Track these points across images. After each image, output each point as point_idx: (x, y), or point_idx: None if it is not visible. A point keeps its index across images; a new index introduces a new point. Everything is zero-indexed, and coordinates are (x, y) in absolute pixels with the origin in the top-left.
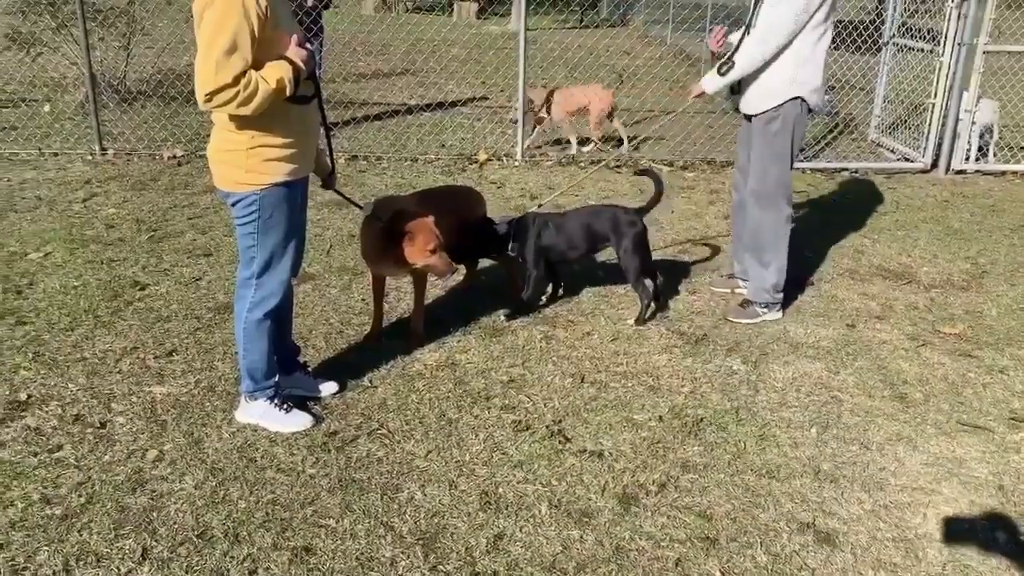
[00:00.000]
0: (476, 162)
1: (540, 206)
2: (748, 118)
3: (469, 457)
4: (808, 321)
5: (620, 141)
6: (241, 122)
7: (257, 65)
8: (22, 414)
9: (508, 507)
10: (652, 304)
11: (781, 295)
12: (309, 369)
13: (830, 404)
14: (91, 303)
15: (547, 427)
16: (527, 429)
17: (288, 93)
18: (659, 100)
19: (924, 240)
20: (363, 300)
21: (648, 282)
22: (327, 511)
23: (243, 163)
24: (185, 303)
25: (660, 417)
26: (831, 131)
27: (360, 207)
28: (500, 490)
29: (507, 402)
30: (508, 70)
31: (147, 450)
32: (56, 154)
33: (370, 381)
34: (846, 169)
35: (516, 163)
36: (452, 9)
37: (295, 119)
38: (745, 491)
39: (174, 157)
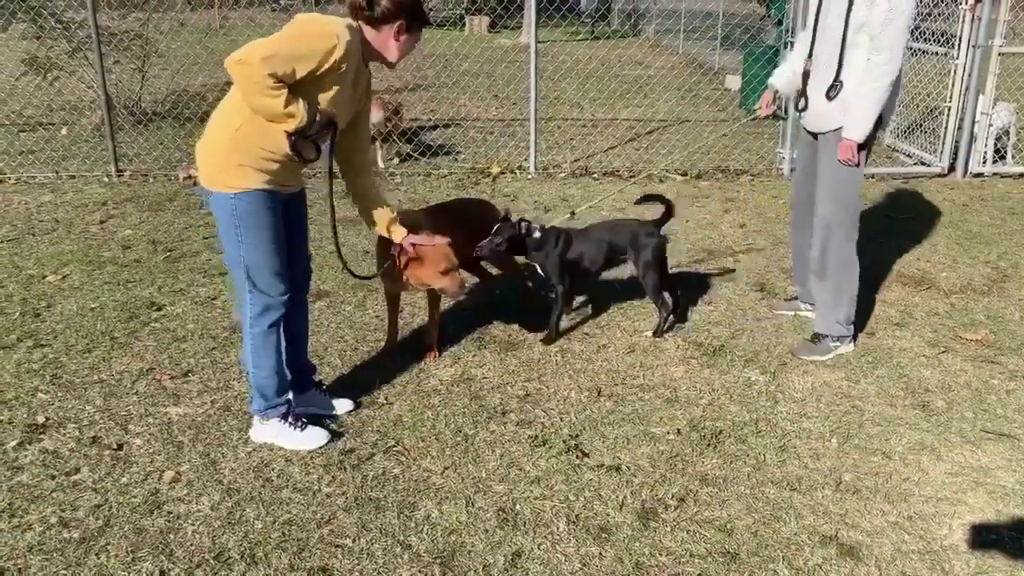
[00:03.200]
0: (489, 175)
1: (573, 214)
2: (813, 135)
3: (486, 473)
4: None
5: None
6: (237, 122)
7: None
8: (40, 437)
9: (526, 524)
10: (671, 317)
11: (852, 326)
12: (324, 387)
13: (851, 414)
14: (108, 325)
15: (564, 442)
16: (544, 444)
17: (289, 128)
18: (672, 109)
19: (943, 245)
20: (378, 317)
21: (667, 295)
22: (344, 530)
23: (218, 161)
24: (201, 323)
25: (678, 430)
26: None
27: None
28: (517, 507)
29: (523, 417)
30: (520, 83)
31: (164, 471)
32: (73, 177)
33: (385, 398)
34: (868, 176)
35: (529, 175)
36: (464, 24)
37: (283, 155)
38: (766, 504)
39: (189, 177)
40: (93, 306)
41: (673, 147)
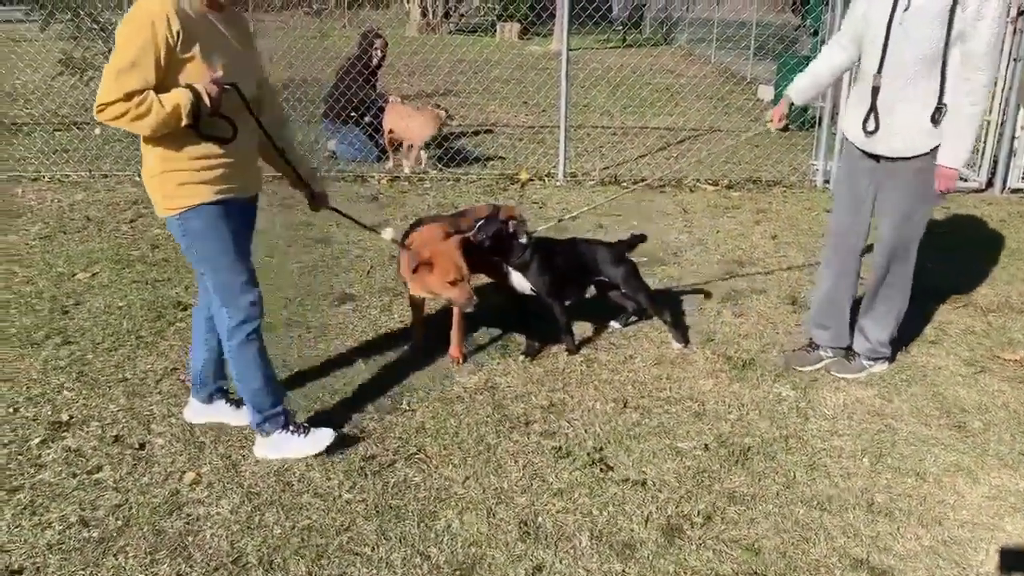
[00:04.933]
0: (518, 181)
1: (560, 221)
2: (876, 158)
3: (508, 484)
4: None
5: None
6: (152, 147)
7: (167, 88)
8: (63, 435)
9: (547, 537)
10: (674, 319)
11: (891, 347)
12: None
13: (884, 433)
14: (135, 323)
15: (588, 454)
16: (567, 456)
17: (184, 122)
18: (704, 118)
19: (980, 261)
20: (403, 321)
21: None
22: (363, 538)
23: (160, 187)
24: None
25: (705, 445)
26: None
27: (368, 227)
28: (539, 519)
29: (547, 428)
30: (550, 90)
31: (184, 472)
32: (106, 176)
33: (408, 404)
34: None
35: (558, 183)
36: (495, 30)
37: (211, 146)
38: (795, 524)
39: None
40: (121, 304)
41: (704, 157)
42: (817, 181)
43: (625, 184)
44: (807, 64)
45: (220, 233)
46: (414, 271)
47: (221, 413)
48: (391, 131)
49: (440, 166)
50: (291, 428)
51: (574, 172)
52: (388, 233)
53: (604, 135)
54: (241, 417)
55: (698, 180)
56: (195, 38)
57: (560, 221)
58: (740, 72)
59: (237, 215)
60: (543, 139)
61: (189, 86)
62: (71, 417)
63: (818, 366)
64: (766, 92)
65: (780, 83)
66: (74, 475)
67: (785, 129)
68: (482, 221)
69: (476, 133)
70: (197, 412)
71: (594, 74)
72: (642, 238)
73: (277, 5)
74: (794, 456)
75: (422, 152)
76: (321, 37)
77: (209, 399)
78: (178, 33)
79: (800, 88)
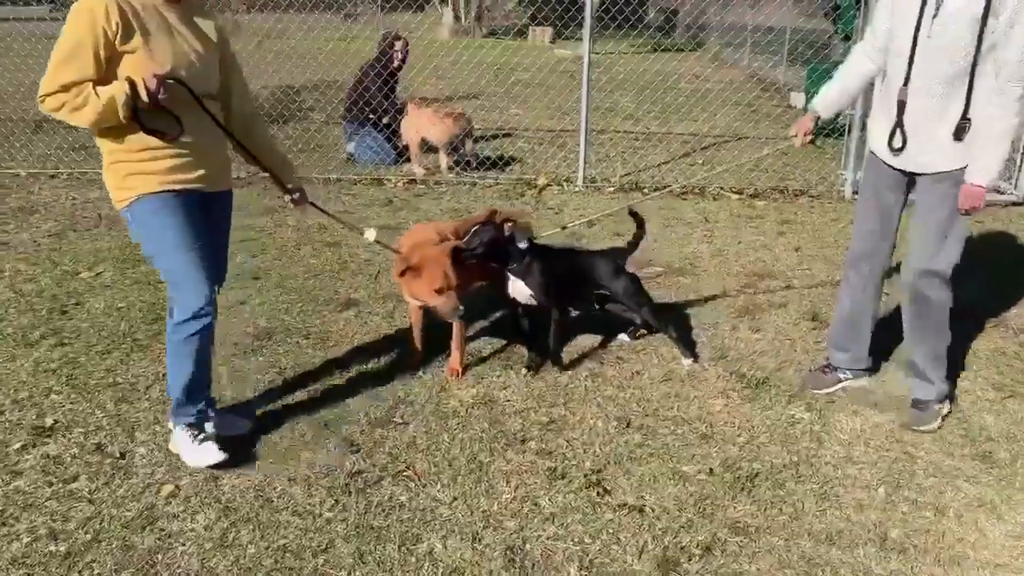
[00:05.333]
0: (535, 187)
1: (564, 228)
2: (908, 175)
3: (497, 507)
4: (881, 367)
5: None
6: (102, 139)
7: (110, 80)
8: (45, 440)
9: (535, 566)
10: (681, 333)
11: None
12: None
13: (902, 461)
14: (131, 325)
15: (585, 476)
16: (563, 477)
17: (122, 115)
18: (729, 125)
19: (1014, 279)
20: (405, 329)
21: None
22: (339, 561)
23: (110, 180)
24: (225, 328)
25: (711, 470)
26: None
27: (352, 227)
28: (527, 546)
29: (544, 446)
30: (576, 94)
31: (163, 485)
32: None
33: (402, 417)
34: None
35: (577, 189)
36: (527, 34)
37: (159, 147)
38: (801, 559)
39: (236, 178)
40: (120, 306)
41: (729, 164)
42: (845, 192)
43: (646, 191)
44: (837, 70)
45: (165, 224)
46: (400, 275)
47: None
48: (418, 134)
49: (457, 169)
50: (193, 432)
51: (594, 178)
52: (371, 234)
53: (626, 140)
54: (225, 425)
55: (722, 188)
56: (138, 30)
57: (564, 228)
58: (772, 78)
59: (192, 209)
60: (564, 143)
61: (129, 79)
62: (55, 422)
63: (835, 388)
64: (798, 99)
65: (809, 89)
66: (50, 484)
67: (812, 143)
68: (476, 227)
69: (495, 137)
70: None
71: (619, 78)
72: (640, 234)
73: (308, 6)
74: (804, 484)
75: (444, 155)
76: (350, 40)
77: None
78: (117, 24)
79: (827, 101)
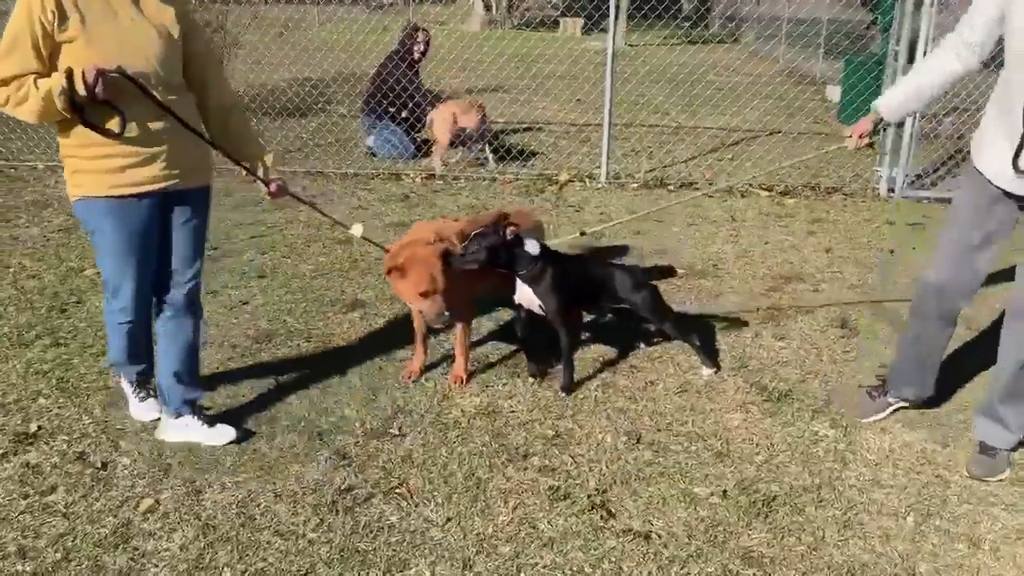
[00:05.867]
0: (556, 183)
1: (583, 233)
2: (1012, 196)
3: (493, 530)
4: None
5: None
6: (58, 131)
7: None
8: (27, 448)
9: None
10: (703, 342)
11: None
12: (204, 412)
13: (934, 486)
14: None
15: (589, 497)
16: (565, 498)
17: (60, 107)
18: (761, 119)
19: None
20: (411, 333)
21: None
22: None
23: (66, 174)
24: (224, 329)
25: (724, 492)
26: (952, 156)
27: (338, 223)
28: (521, 575)
29: (547, 462)
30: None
31: (142, 499)
32: None
33: (399, 428)
34: None
35: (599, 185)
36: (558, 26)
37: (105, 143)
38: None
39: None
40: None
41: (759, 159)
42: (880, 190)
43: (671, 187)
44: (875, 63)
45: (105, 230)
46: (387, 273)
47: (190, 431)
48: (458, 125)
49: (478, 164)
50: (135, 389)
51: (617, 173)
52: (357, 229)
53: (653, 134)
54: (214, 437)
55: (750, 185)
56: (74, 18)
57: (583, 235)
58: (808, 71)
59: (144, 212)
60: (588, 137)
61: (68, 69)
62: (39, 428)
63: (883, 415)
64: (835, 92)
65: (845, 82)
66: (25, 496)
67: (869, 146)
68: (477, 231)
69: (516, 131)
70: (167, 429)
71: (651, 70)
72: (671, 272)
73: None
74: (826, 510)
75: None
76: (381, 32)
77: (176, 415)
78: (53, 14)
79: (895, 103)
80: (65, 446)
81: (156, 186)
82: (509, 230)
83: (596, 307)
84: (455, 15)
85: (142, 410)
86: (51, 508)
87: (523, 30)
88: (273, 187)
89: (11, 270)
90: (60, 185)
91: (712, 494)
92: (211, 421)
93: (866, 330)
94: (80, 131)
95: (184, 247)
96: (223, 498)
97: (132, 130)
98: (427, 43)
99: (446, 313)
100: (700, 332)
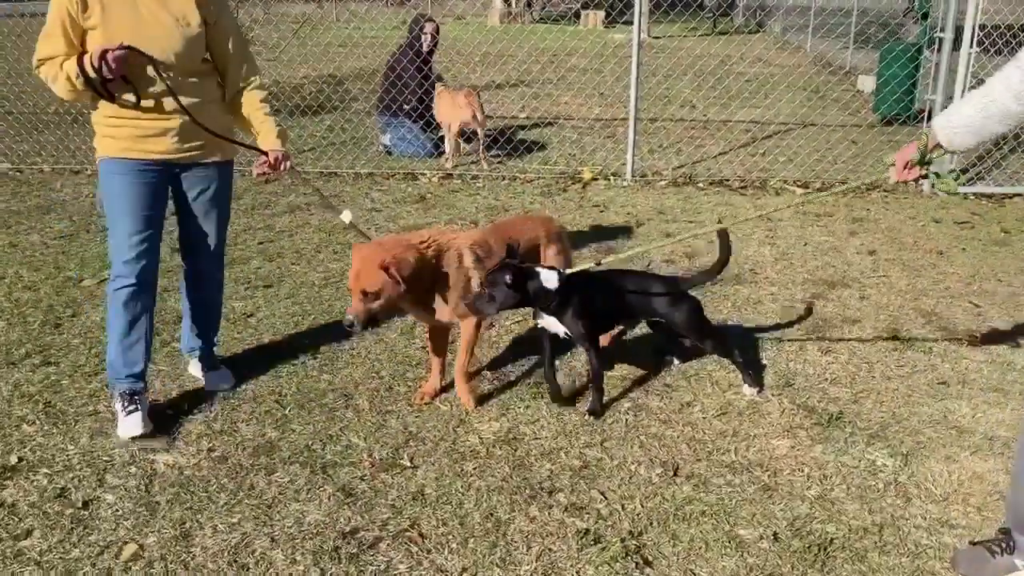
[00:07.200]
0: (579, 181)
1: (598, 264)
2: None
3: None
4: (977, 398)
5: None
6: (90, 103)
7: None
8: (5, 483)
9: None
10: (747, 358)
11: None
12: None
13: None
14: None
15: (622, 540)
16: (596, 543)
17: (78, 85)
18: (794, 111)
19: None
20: (425, 347)
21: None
22: None
23: (95, 139)
24: (225, 345)
25: (775, 534)
26: (999, 147)
27: (330, 206)
28: None
29: (575, 499)
30: (624, 80)
31: (125, 544)
32: None
33: (411, 459)
34: (1019, 194)
35: (625, 183)
36: (579, 19)
37: (123, 114)
38: None
39: (263, 174)
40: None
41: (794, 154)
42: (924, 186)
43: (700, 184)
44: (914, 52)
45: (114, 190)
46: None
47: (195, 371)
48: (473, 117)
49: (496, 163)
50: (123, 403)
51: (644, 171)
52: (347, 216)
53: (681, 128)
54: (211, 381)
55: (784, 181)
56: (99, 9)
57: (598, 265)
58: (838, 62)
59: (153, 179)
60: (613, 133)
61: (80, 53)
62: (20, 460)
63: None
64: (866, 83)
65: (882, 72)
66: None
67: (924, 176)
68: (488, 274)
69: (536, 126)
70: (190, 366)
71: (680, 63)
72: (724, 260)
73: None
74: (890, 556)
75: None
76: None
77: (190, 355)
78: (78, 3)
79: (959, 128)
80: (46, 481)
81: (166, 156)
82: (525, 266)
83: (631, 319)
84: (473, 6)
85: (129, 425)
86: (24, 555)
87: (543, 23)
88: (272, 157)
89: (6, 280)
90: (65, 189)
91: (761, 537)
92: (216, 366)
93: (920, 341)
94: (104, 103)
95: (201, 218)
96: (214, 543)
97: (148, 103)
98: (435, 34)
99: (357, 323)
100: (740, 346)
